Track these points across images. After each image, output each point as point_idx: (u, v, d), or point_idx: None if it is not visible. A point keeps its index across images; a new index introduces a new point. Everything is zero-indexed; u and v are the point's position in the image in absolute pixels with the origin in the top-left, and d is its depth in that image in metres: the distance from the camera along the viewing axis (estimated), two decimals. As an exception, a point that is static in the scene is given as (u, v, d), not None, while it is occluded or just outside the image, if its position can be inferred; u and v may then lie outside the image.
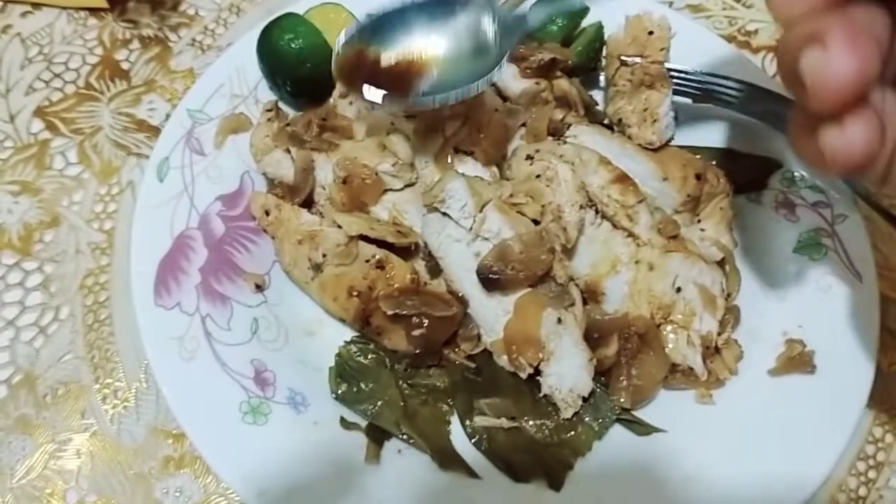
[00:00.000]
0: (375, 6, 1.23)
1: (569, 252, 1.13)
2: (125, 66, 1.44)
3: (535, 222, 1.09)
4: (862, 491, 1.15)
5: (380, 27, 1.08)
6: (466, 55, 1.07)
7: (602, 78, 1.36)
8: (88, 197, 1.31)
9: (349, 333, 1.15)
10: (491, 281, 1.06)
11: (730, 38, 1.51)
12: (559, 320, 1.06)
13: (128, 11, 1.49)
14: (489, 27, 1.05)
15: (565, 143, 1.19)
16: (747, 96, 1.28)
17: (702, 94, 1.30)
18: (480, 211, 1.08)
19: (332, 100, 1.25)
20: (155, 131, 1.34)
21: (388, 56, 1.07)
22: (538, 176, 1.14)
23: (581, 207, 1.11)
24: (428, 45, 1.07)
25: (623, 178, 1.14)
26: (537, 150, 1.16)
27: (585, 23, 1.35)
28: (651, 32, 1.25)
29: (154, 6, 1.50)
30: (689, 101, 1.31)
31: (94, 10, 1.48)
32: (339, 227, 1.11)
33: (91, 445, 1.13)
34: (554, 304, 1.07)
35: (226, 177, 1.23)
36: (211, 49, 1.46)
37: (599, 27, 1.33)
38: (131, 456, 1.13)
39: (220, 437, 1.03)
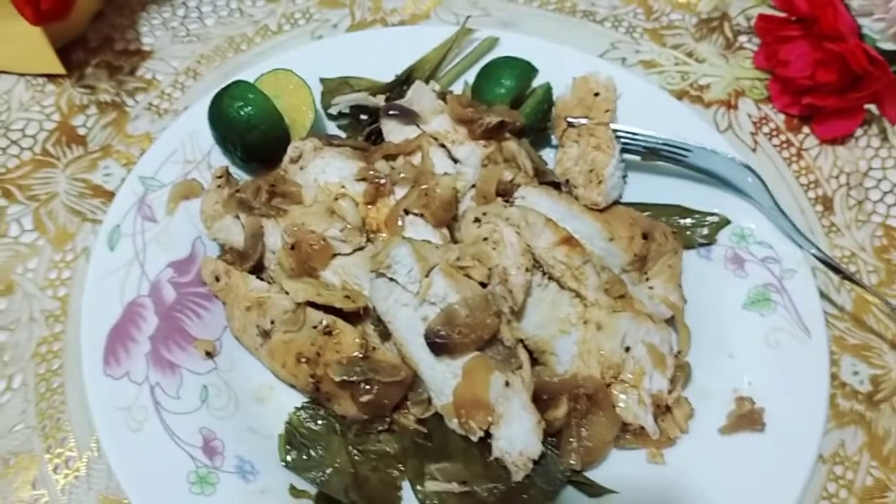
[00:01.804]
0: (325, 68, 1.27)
1: (517, 314, 1.13)
2: (82, 131, 1.45)
3: (483, 285, 1.10)
4: (817, 548, 1.15)
5: None
6: None
7: (553, 136, 1.37)
8: (43, 264, 1.31)
9: (300, 399, 1.15)
10: (438, 345, 1.07)
11: (682, 93, 1.53)
12: (507, 383, 1.07)
13: (85, 77, 1.51)
14: None
15: (513, 205, 1.20)
16: (695, 156, 1.29)
17: (650, 152, 1.31)
18: (427, 275, 1.09)
19: (282, 164, 1.26)
20: (110, 196, 1.34)
21: None
22: (485, 239, 1.15)
23: (527, 270, 1.12)
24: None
25: (569, 240, 1.15)
26: (484, 213, 1.17)
27: (535, 83, 1.36)
28: (597, 94, 1.28)
29: (112, 71, 1.51)
30: (637, 157, 1.33)
31: (51, 77, 1.50)
32: (287, 293, 1.12)
33: (42, 517, 1.13)
34: (502, 367, 1.07)
35: (177, 243, 1.23)
36: (168, 113, 1.47)
37: (548, 88, 1.35)
38: (82, 529, 1.12)
39: (167, 509, 1.03)
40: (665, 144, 1.29)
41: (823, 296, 1.29)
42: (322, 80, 1.37)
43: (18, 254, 1.32)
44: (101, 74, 1.51)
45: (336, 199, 1.19)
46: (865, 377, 1.27)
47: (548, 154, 1.37)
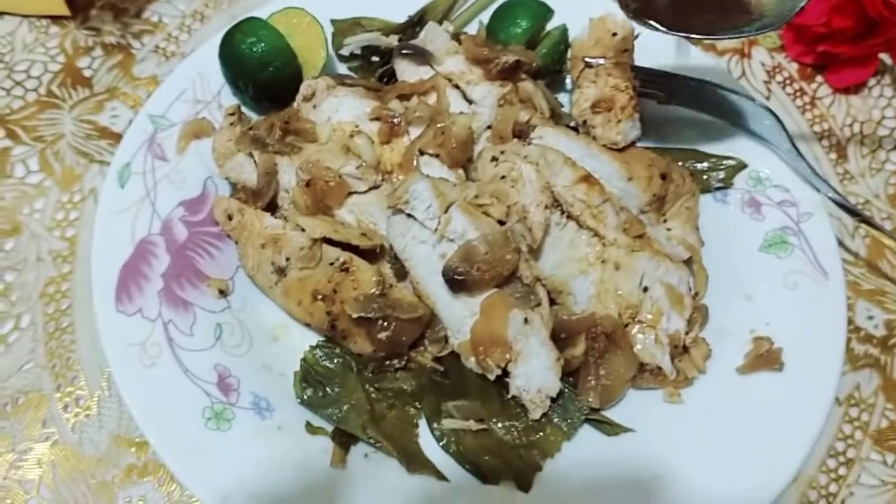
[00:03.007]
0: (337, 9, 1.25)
1: (535, 253, 1.12)
2: (87, 73, 1.42)
3: (501, 223, 1.09)
4: (833, 487, 1.15)
5: None
6: None
7: (568, 80, 1.36)
8: (50, 205, 1.29)
9: (314, 338, 1.14)
10: (456, 282, 1.05)
11: (695, 43, 1.51)
12: (526, 320, 1.05)
13: (90, 19, 1.48)
14: None
15: (530, 144, 1.18)
16: (712, 96, 1.28)
17: (666, 94, 1.30)
18: (445, 212, 1.07)
19: (295, 103, 1.24)
20: (118, 138, 1.32)
21: None
22: (503, 177, 1.13)
23: (546, 207, 1.11)
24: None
25: (588, 178, 1.14)
26: (502, 152, 1.16)
27: (550, 26, 1.35)
28: (615, 34, 1.25)
29: (117, 14, 1.48)
30: (654, 101, 1.31)
31: (55, 18, 1.47)
32: (303, 230, 1.10)
33: (52, 455, 1.11)
34: (520, 304, 1.06)
35: (188, 182, 1.21)
36: (174, 56, 1.45)
37: (564, 30, 1.33)
38: (93, 465, 1.11)
39: (182, 444, 1.02)
40: (684, 85, 1.27)
41: (839, 242, 1.28)
42: (333, 22, 1.35)
43: (25, 194, 1.30)
44: (105, 16, 1.48)
45: (351, 136, 1.18)
46: (880, 322, 1.27)
47: (563, 98, 1.35)
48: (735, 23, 1.13)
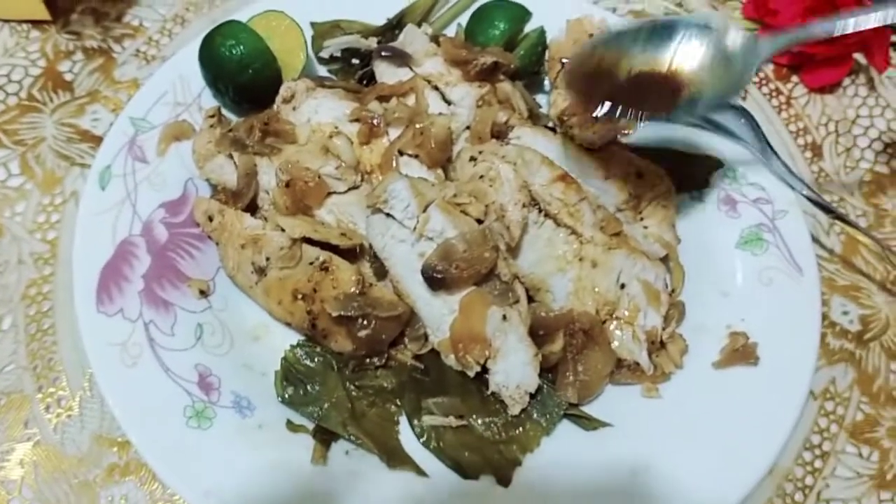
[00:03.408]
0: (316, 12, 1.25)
1: (513, 251, 1.14)
2: (68, 77, 1.43)
3: (479, 222, 1.10)
4: (808, 480, 1.16)
5: (618, 43, 1.09)
6: (714, 72, 1.05)
7: (547, 81, 1.37)
8: (31, 208, 1.30)
9: (295, 338, 1.15)
10: (435, 280, 1.07)
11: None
12: (504, 317, 1.07)
13: (71, 23, 1.48)
14: (732, 47, 1.05)
15: (509, 144, 1.20)
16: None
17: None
18: (424, 211, 1.09)
19: (274, 105, 1.25)
20: (99, 141, 1.32)
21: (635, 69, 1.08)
22: (481, 176, 1.15)
23: (524, 206, 1.12)
24: (676, 61, 1.07)
25: (565, 177, 1.15)
26: (480, 152, 1.17)
27: (528, 28, 1.36)
28: (591, 35, 1.27)
29: (98, 18, 1.49)
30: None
31: (36, 23, 1.47)
32: (283, 230, 1.11)
33: (34, 455, 1.12)
34: (499, 301, 1.07)
35: (169, 184, 1.22)
36: (155, 60, 1.46)
37: (542, 32, 1.35)
38: (75, 464, 1.11)
39: (163, 442, 1.02)
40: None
41: (813, 239, 1.30)
42: (313, 25, 1.36)
43: (6, 197, 1.30)
44: (86, 21, 1.48)
45: (330, 136, 1.18)
46: (855, 317, 1.29)
47: (541, 99, 1.37)
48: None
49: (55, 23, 1.48)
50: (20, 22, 1.48)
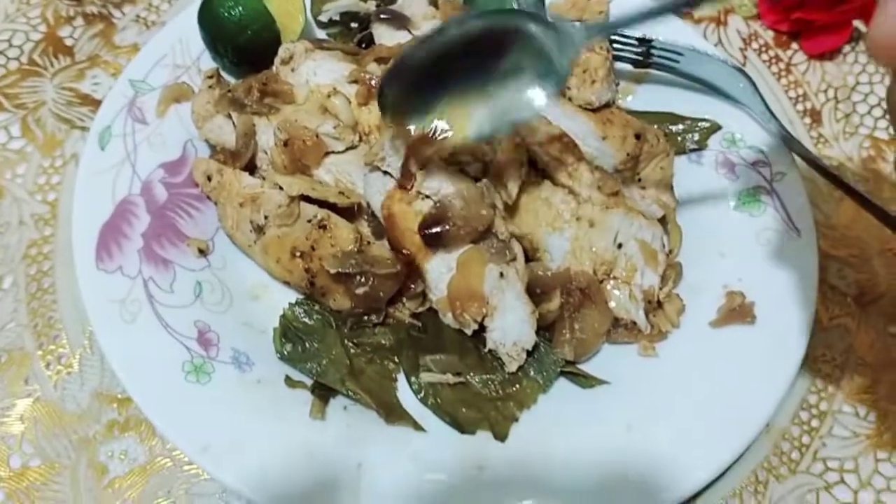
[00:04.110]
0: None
1: (511, 211, 1.14)
2: (69, 42, 1.43)
3: (477, 180, 1.10)
4: (805, 439, 1.16)
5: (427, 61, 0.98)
6: (527, 74, 0.98)
7: (546, 46, 1.37)
8: (32, 170, 1.30)
9: (294, 296, 1.15)
10: (433, 237, 1.07)
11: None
12: (501, 275, 1.07)
13: (71, -11, 1.49)
14: (546, 43, 0.96)
15: (506, 104, 1.20)
16: (687, 61, 1.30)
17: (642, 58, 1.32)
18: (421, 168, 1.09)
19: (273, 67, 1.25)
20: (99, 105, 1.31)
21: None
22: (479, 136, 1.15)
23: (521, 165, 1.12)
24: (482, 72, 0.99)
25: (562, 137, 1.15)
26: (479, 112, 1.17)
27: (528, -8, 1.36)
28: (588, -7, 1.27)
29: (98, -17, 1.50)
30: (629, 66, 1.33)
31: (37, -11, 1.48)
32: (281, 188, 1.11)
33: (34, 411, 1.13)
34: (496, 259, 1.08)
35: (168, 145, 1.23)
36: (155, 25, 1.46)
37: (541, -5, 1.34)
38: (75, 421, 1.12)
39: (162, 396, 1.03)
40: (657, 48, 1.29)
41: (812, 204, 1.30)
42: (312, -11, 1.37)
43: (7, 160, 1.31)
44: (87, -13, 1.49)
45: (329, 96, 1.19)
46: (853, 281, 1.29)
47: (540, 64, 1.36)
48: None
49: (56, -11, 1.49)
50: (21, -12, 1.48)
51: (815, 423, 1.18)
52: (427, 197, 1.08)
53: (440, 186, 1.08)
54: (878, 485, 1.13)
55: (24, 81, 1.39)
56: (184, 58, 1.29)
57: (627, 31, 1.30)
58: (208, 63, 1.29)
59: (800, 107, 1.46)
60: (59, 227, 1.25)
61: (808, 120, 1.44)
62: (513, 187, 1.12)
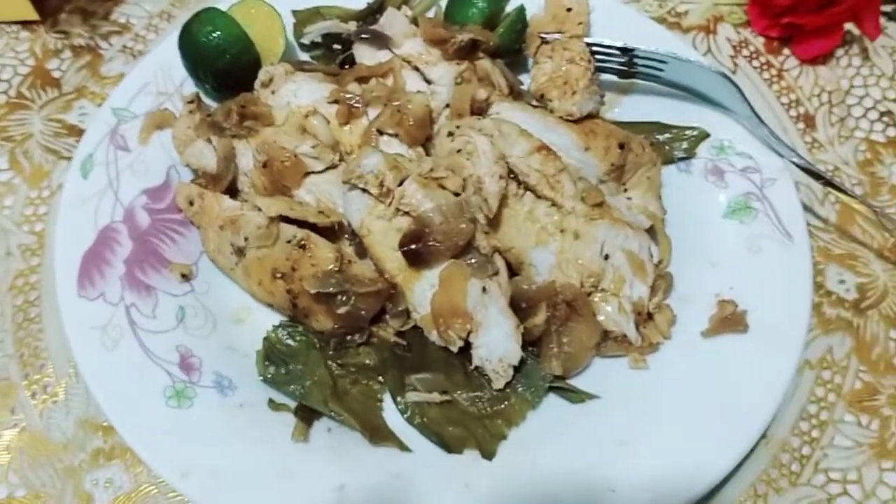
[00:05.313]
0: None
1: (494, 225, 1.13)
2: (56, 74, 1.44)
3: (457, 195, 1.09)
4: (805, 450, 1.13)
5: None
6: None
7: (531, 61, 1.36)
8: (19, 201, 1.31)
9: (278, 319, 1.14)
10: (414, 254, 1.06)
11: (660, 20, 1.52)
12: (484, 289, 1.05)
13: (59, 23, 1.50)
14: None
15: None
16: (671, 69, 1.28)
17: (627, 68, 1.30)
18: (400, 185, 1.08)
19: (254, 91, 1.25)
20: (86, 135, 1.34)
21: None
22: (458, 150, 1.14)
23: (501, 178, 1.11)
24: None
25: (543, 148, 1.14)
26: (458, 126, 1.16)
27: (509, 8, 1.36)
28: (570, 9, 1.27)
29: (85, 17, 1.51)
30: (615, 76, 1.32)
31: (25, 23, 1.49)
32: (260, 210, 1.11)
33: (20, 441, 1.12)
34: (478, 273, 1.06)
35: (151, 171, 1.23)
36: (142, 54, 1.47)
37: (521, 9, 1.34)
38: (61, 450, 1.11)
39: (142, 422, 1.02)
40: (640, 57, 1.28)
41: (807, 209, 1.28)
42: (294, 12, 1.37)
43: (-5, 192, 1.32)
44: (74, 20, 1.51)
45: (307, 116, 1.18)
46: (852, 285, 1.26)
47: (524, 79, 1.36)
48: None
49: (44, 23, 1.50)
50: (10, 23, 1.50)
51: (815, 433, 1.14)
52: (406, 213, 1.07)
53: (419, 202, 1.06)
54: (883, 495, 1.10)
55: (11, 115, 1.40)
56: (166, 85, 1.30)
57: (608, 41, 1.28)
58: (191, 89, 1.30)
59: (793, 112, 1.44)
60: (46, 257, 1.26)
61: (801, 125, 1.42)
62: (493, 200, 1.10)
